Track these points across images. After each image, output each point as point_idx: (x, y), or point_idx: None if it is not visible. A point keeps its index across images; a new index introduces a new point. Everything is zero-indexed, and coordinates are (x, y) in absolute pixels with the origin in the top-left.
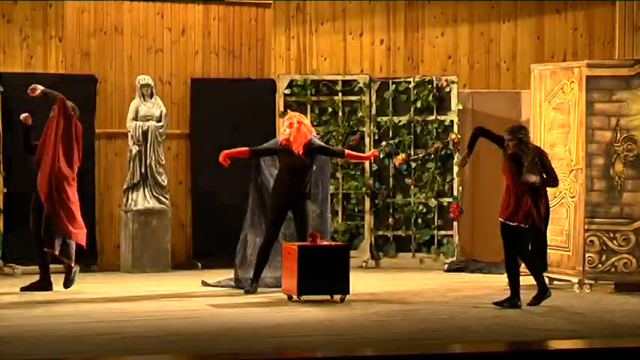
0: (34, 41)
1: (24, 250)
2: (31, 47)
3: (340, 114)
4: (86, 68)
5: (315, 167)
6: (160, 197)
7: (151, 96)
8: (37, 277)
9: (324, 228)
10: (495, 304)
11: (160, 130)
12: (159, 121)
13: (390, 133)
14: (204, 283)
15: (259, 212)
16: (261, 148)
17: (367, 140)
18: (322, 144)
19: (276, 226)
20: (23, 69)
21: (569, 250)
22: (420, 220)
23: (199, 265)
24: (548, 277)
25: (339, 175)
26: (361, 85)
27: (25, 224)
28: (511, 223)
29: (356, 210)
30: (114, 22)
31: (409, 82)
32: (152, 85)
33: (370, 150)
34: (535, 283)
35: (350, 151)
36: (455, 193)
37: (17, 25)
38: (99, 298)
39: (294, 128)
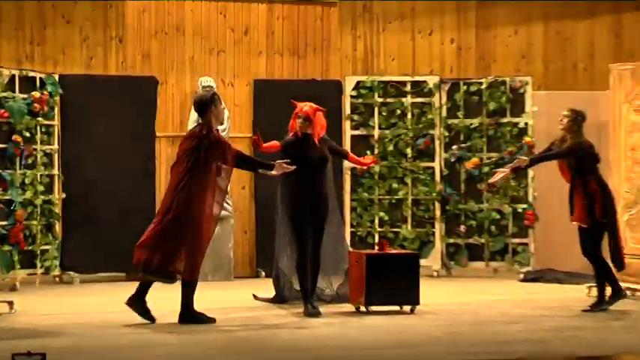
0: (93, 42)
1: (82, 257)
2: (91, 48)
3: (409, 116)
4: (147, 70)
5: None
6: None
7: None
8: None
9: (344, 253)
10: (584, 310)
11: (223, 134)
12: (221, 124)
13: (462, 136)
14: (255, 297)
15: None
16: (289, 143)
17: (437, 143)
18: (332, 141)
19: (304, 237)
20: (83, 70)
21: None
22: (493, 228)
23: (263, 273)
24: (629, 287)
25: (407, 180)
26: (431, 86)
27: (84, 231)
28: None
29: (426, 216)
30: (175, 22)
31: (481, 83)
32: (214, 86)
33: (439, 154)
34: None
35: (353, 155)
36: (530, 199)
37: (77, 26)
38: (158, 309)
39: (314, 116)
